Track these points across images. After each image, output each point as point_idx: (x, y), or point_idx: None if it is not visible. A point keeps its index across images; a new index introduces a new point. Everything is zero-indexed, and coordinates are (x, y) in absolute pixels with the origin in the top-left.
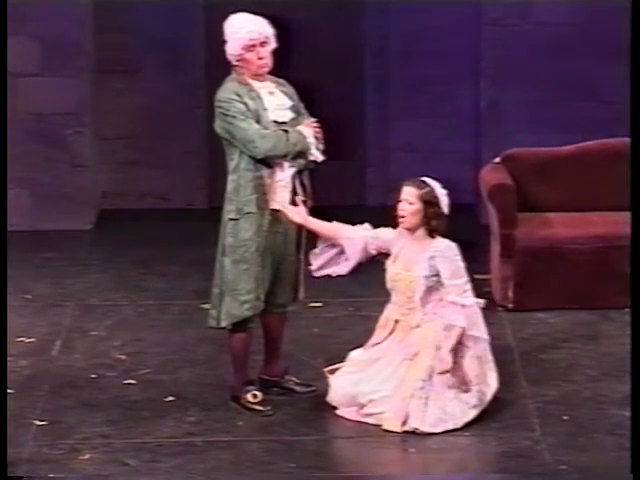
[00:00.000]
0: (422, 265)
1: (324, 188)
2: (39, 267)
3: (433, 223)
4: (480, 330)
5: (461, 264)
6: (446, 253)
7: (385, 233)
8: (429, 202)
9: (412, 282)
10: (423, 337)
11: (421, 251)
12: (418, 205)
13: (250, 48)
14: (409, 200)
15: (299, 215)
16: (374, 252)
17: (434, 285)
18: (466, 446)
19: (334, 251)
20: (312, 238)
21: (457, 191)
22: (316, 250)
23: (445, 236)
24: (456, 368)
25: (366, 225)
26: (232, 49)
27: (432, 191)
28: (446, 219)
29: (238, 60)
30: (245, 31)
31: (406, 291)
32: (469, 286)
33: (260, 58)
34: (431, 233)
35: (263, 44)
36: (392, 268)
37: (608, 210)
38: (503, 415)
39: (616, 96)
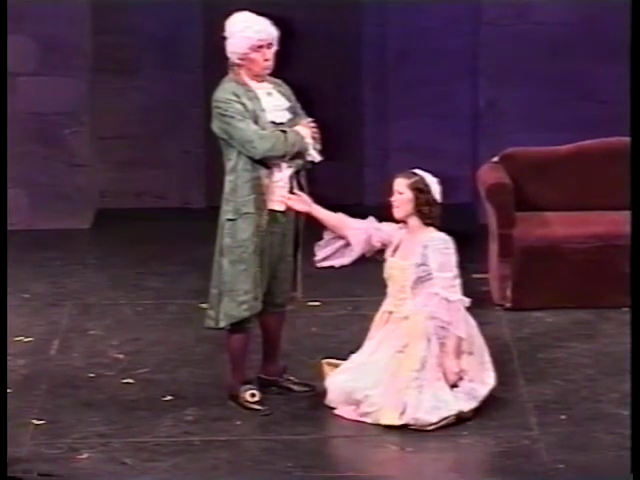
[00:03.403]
0: (415, 254)
1: (322, 188)
2: (37, 266)
3: (425, 210)
4: (458, 328)
5: (452, 258)
6: (438, 245)
7: (388, 226)
8: (419, 189)
9: (405, 270)
10: (413, 328)
11: (417, 241)
12: (408, 194)
13: (257, 49)
14: (399, 190)
15: (303, 204)
16: (378, 245)
17: (425, 276)
18: (464, 445)
19: (339, 243)
20: (310, 236)
21: (455, 190)
22: (321, 242)
23: (443, 231)
24: (442, 362)
25: (371, 218)
26: (238, 47)
27: (422, 179)
28: (439, 206)
29: (241, 59)
30: (253, 30)
31: (399, 279)
32: (457, 282)
33: (266, 60)
34: (425, 221)
35: (269, 45)
36: (391, 258)
37: (606, 209)
38: (501, 414)
39: (614, 95)
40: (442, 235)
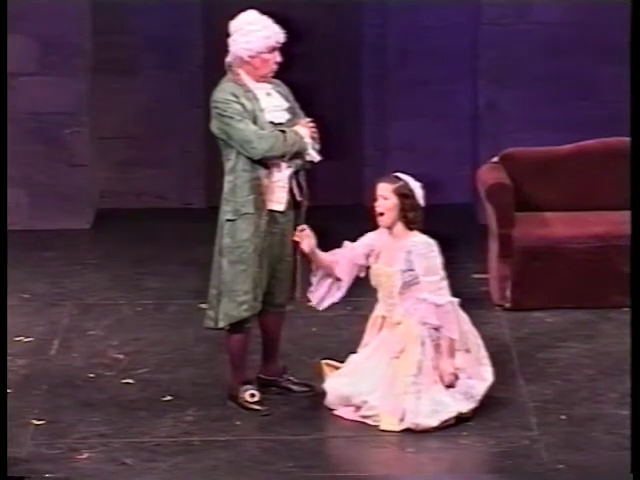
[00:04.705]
0: (400, 259)
1: (322, 188)
2: (37, 266)
3: (410, 215)
4: (450, 329)
5: (437, 261)
6: (422, 249)
7: (365, 239)
8: (404, 195)
9: (391, 277)
10: (407, 333)
11: (400, 246)
12: (394, 199)
13: (272, 50)
14: (384, 195)
15: (308, 247)
16: (363, 262)
17: (412, 280)
18: (464, 445)
19: (329, 281)
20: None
21: (455, 190)
22: (311, 288)
23: (440, 234)
24: (437, 364)
25: (345, 243)
26: (255, 46)
27: (406, 184)
28: (422, 211)
29: (253, 57)
30: (273, 31)
31: (387, 286)
32: (445, 284)
33: (276, 62)
34: (409, 226)
35: (280, 48)
36: (375, 264)
37: (606, 209)
38: (501, 414)
39: (614, 95)
40: (425, 238)
